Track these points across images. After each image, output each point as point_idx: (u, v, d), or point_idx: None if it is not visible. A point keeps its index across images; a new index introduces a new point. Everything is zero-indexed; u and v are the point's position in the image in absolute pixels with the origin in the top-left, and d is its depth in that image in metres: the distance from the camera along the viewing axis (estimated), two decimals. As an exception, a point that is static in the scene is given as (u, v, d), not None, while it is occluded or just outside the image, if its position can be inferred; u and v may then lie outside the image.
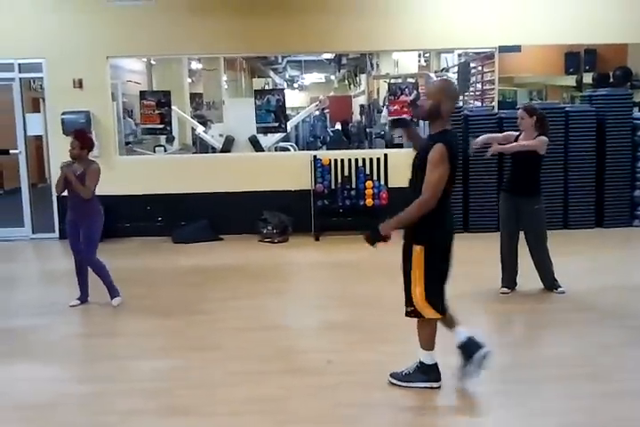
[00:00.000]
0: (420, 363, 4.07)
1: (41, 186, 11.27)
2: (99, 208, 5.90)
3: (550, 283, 5.94)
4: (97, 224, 5.87)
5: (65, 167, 5.84)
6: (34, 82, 11.50)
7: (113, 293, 5.94)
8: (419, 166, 3.95)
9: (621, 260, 7.22)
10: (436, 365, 4.05)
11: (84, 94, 8.84)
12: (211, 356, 4.70)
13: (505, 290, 5.97)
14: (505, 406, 3.89)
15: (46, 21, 8.77)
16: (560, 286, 5.93)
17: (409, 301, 4.03)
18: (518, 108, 6.10)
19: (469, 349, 4.00)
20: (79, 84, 8.83)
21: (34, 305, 6.15)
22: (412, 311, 4.03)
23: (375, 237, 3.98)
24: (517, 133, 5.99)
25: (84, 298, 6.01)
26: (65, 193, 5.95)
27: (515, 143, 5.87)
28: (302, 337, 5.15)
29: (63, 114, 8.77)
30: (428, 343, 4.04)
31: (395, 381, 4.10)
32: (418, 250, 3.96)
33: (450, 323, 4.10)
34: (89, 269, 5.95)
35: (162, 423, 3.75)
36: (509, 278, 5.98)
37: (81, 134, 5.93)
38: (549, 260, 5.92)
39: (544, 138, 5.78)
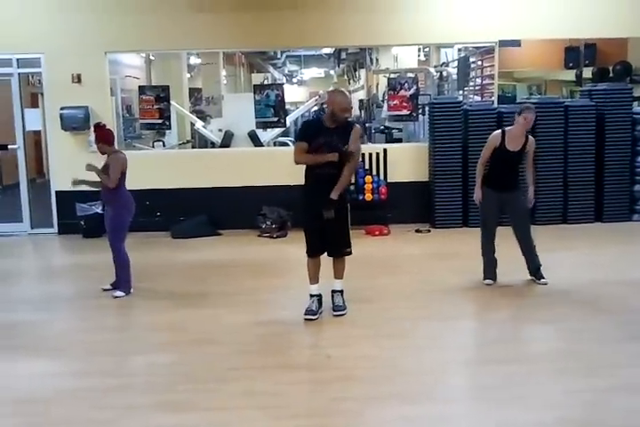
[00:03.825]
0: (342, 290, 5.38)
1: (39, 181, 11.26)
2: (125, 200, 5.99)
3: (535, 269, 6.04)
4: (121, 216, 5.97)
5: (88, 166, 5.98)
6: (32, 77, 11.47)
7: (121, 286, 6.01)
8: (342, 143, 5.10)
9: (620, 254, 7.21)
10: None
11: (83, 89, 8.82)
12: (209, 351, 4.70)
13: (490, 281, 6.07)
14: (502, 400, 3.89)
15: (45, 16, 8.74)
16: (544, 277, 6.00)
17: (348, 243, 5.29)
18: (525, 107, 5.95)
19: None
20: (78, 79, 8.81)
21: (32, 300, 6.16)
22: (350, 251, 5.31)
23: (333, 205, 5.06)
24: (500, 131, 5.99)
25: (118, 285, 6.10)
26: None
27: (530, 170, 6.11)
28: (301, 332, 5.15)
29: (62, 109, 8.76)
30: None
31: (343, 312, 5.28)
32: (348, 206, 5.36)
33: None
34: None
35: (160, 418, 3.74)
36: (492, 270, 6.09)
37: (96, 128, 6.06)
38: (535, 247, 6.04)
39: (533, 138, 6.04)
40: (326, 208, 5.05)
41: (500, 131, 6.02)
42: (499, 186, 5.98)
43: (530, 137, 5.99)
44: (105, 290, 6.10)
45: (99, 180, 5.96)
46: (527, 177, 6.13)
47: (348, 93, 5.34)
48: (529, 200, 6.09)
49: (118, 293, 5.98)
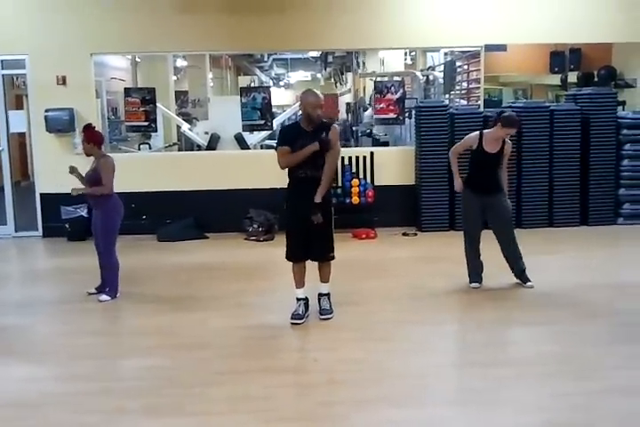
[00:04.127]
0: (329, 293, 5.36)
1: (24, 184, 11.16)
2: (114, 203, 5.93)
3: (520, 272, 6.06)
4: (112, 219, 5.92)
5: (71, 168, 5.93)
6: (17, 79, 11.38)
7: (109, 290, 5.96)
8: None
9: (606, 258, 7.26)
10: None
11: (68, 91, 8.75)
12: (197, 354, 4.67)
13: (476, 285, 6.08)
14: (489, 403, 3.89)
15: (30, 17, 8.67)
16: (530, 280, 6.03)
17: (331, 248, 5.27)
18: (509, 120, 5.85)
19: None
20: (63, 81, 8.74)
21: (17, 304, 6.10)
22: (333, 256, 5.28)
23: (319, 209, 5.05)
24: (478, 133, 6.01)
25: (103, 289, 6.06)
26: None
27: (504, 173, 6.06)
28: (288, 336, 5.13)
29: (47, 111, 8.68)
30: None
31: (330, 316, 5.27)
32: (332, 210, 5.30)
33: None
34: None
35: (146, 423, 3.72)
36: (477, 273, 6.11)
37: (85, 129, 6.00)
38: (519, 250, 6.06)
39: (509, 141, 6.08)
40: (313, 213, 5.04)
41: (477, 133, 6.04)
42: (480, 189, 5.99)
43: (507, 140, 6.01)
44: (90, 294, 6.06)
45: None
46: (501, 179, 6.08)
47: (318, 93, 5.27)
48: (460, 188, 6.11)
49: (104, 296, 5.93)
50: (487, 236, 6.08)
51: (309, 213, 5.06)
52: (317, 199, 5.06)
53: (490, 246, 6.07)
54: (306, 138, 5.07)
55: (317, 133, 5.09)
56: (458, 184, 6.13)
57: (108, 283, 5.99)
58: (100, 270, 6.09)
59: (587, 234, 8.49)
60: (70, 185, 5.93)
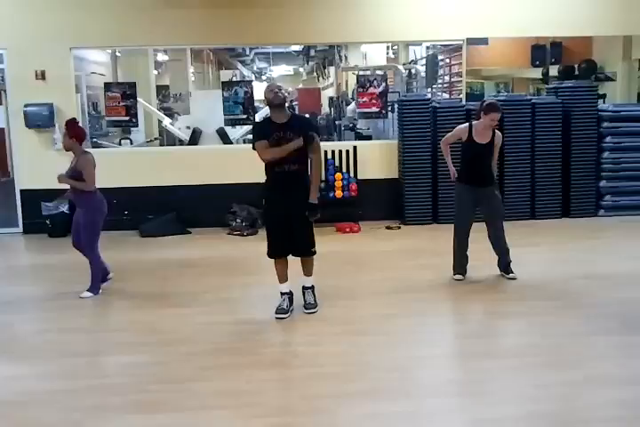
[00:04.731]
0: (312, 286, 5.36)
1: (4, 180, 11.04)
2: (96, 201, 5.87)
3: (506, 264, 6.11)
4: (93, 217, 5.86)
5: (60, 179, 5.84)
6: (-5, 73, 11.24)
7: (91, 286, 5.90)
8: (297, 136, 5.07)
9: (587, 249, 7.32)
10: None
11: (47, 86, 8.64)
12: (180, 350, 4.65)
13: (460, 277, 6.12)
14: (474, 395, 3.92)
15: (7, 10, 8.55)
16: (512, 272, 6.08)
17: (312, 243, 5.26)
18: (490, 105, 5.93)
19: None
20: (42, 75, 8.63)
21: (-3, 301, 6.04)
22: (314, 251, 5.28)
23: (315, 210, 5.11)
24: (467, 124, 6.05)
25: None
26: None
27: (494, 160, 6.11)
28: (272, 330, 5.13)
29: (25, 106, 8.58)
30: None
31: (314, 310, 5.27)
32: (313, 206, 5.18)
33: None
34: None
35: (131, 419, 3.69)
36: (462, 266, 6.14)
37: (68, 123, 5.92)
38: (507, 242, 6.13)
39: (500, 133, 6.13)
40: (311, 215, 5.10)
41: (467, 124, 6.07)
42: (473, 181, 6.00)
43: (497, 131, 6.06)
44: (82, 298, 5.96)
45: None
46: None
47: (274, 84, 5.41)
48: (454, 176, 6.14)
49: (86, 293, 5.89)
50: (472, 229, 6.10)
51: (293, 207, 5.06)
52: (313, 200, 5.09)
53: (472, 239, 6.10)
54: (279, 130, 5.07)
55: (290, 124, 5.08)
56: (452, 172, 6.15)
57: (91, 279, 5.93)
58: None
59: (568, 226, 8.56)
60: (51, 181, 5.86)
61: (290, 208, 5.13)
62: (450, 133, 6.24)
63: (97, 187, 5.89)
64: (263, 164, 5.17)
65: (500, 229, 6.09)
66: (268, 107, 5.30)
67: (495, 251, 6.14)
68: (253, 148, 5.18)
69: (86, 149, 6.08)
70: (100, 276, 5.97)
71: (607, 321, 5.01)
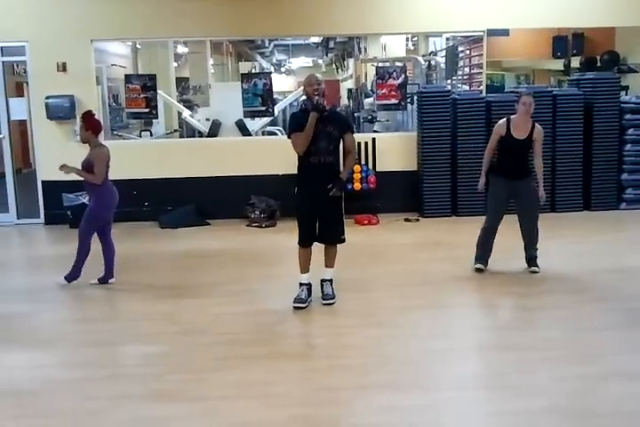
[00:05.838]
0: (332, 280, 5.40)
1: (26, 171, 11.15)
2: (106, 194, 5.91)
3: (532, 258, 6.05)
4: (99, 211, 5.91)
5: (65, 169, 5.87)
6: (17, 66, 11.33)
7: (69, 274, 5.94)
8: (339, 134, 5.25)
9: (609, 242, 7.25)
10: None
11: (69, 78, 8.70)
12: (199, 341, 4.68)
13: (480, 266, 6.07)
14: (491, 388, 3.91)
15: (29, 4, 8.62)
16: (536, 266, 6.03)
17: (343, 231, 5.34)
18: (519, 94, 6.02)
19: None
20: (63, 67, 8.69)
21: (20, 291, 6.12)
22: (344, 238, 5.35)
23: (341, 185, 5.31)
24: (505, 119, 6.00)
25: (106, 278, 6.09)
26: None
27: (538, 161, 6.07)
28: (290, 321, 5.14)
29: (47, 98, 8.65)
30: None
31: (332, 301, 5.28)
32: (342, 194, 5.43)
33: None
34: (114, 249, 6.07)
35: (149, 408, 3.73)
36: (485, 256, 6.09)
37: (85, 116, 5.96)
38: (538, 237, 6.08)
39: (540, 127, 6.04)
40: (336, 187, 5.18)
41: (505, 119, 6.04)
42: (508, 174, 5.96)
43: (537, 125, 5.98)
44: (92, 284, 6.03)
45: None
46: (536, 169, 6.07)
47: (317, 75, 5.43)
48: (540, 196, 6.01)
49: (61, 279, 5.94)
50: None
51: (326, 195, 5.15)
52: (344, 176, 5.29)
53: (498, 231, 6.05)
54: (318, 122, 5.10)
55: (326, 117, 5.13)
56: (481, 183, 6.13)
57: (73, 267, 5.95)
58: (103, 259, 6.08)
59: (589, 219, 8.48)
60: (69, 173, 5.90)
61: (322, 198, 5.18)
62: (490, 138, 6.15)
63: (116, 178, 5.92)
64: (301, 152, 5.16)
65: (532, 223, 6.03)
66: (306, 96, 5.28)
67: (525, 243, 6.07)
68: (289, 137, 5.23)
69: (102, 142, 6.11)
70: (82, 264, 5.95)
71: (627, 315, 4.97)
